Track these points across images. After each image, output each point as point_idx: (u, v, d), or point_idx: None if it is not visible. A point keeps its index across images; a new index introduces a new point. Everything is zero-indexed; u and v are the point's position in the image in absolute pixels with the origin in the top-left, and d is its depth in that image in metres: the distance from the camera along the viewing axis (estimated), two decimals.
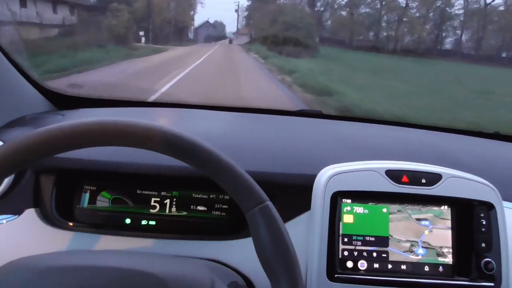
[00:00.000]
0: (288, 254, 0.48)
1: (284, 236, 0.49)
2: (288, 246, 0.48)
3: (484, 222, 0.73)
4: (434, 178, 0.74)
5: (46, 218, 0.76)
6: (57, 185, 0.78)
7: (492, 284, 0.71)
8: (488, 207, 0.74)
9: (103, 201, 0.79)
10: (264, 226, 0.48)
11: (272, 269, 0.48)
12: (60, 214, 0.76)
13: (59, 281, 0.49)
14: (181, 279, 0.51)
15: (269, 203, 0.50)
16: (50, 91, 1.10)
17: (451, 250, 0.74)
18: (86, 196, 0.79)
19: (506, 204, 0.76)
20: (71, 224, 0.76)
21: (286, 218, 0.75)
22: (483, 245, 0.72)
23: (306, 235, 0.74)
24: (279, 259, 0.48)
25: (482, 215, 0.73)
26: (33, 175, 0.78)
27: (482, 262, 0.71)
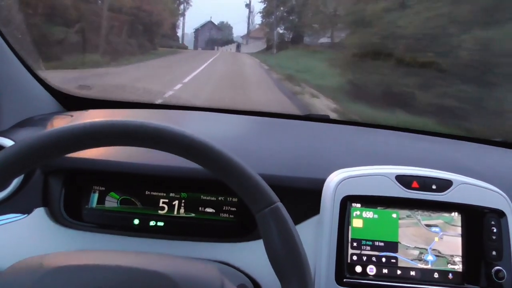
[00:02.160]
0: (299, 255, 0.48)
1: (294, 238, 0.49)
2: (298, 247, 0.48)
3: (494, 230, 0.72)
4: (444, 184, 0.74)
5: (55, 217, 0.76)
6: (66, 185, 0.78)
7: None
8: (499, 214, 0.73)
9: (111, 201, 0.79)
10: (275, 228, 0.48)
11: (282, 270, 0.48)
12: (69, 213, 0.76)
13: (69, 280, 0.49)
14: (191, 280, 0.51)
15: (279, 204, 0.50)
16: (59, 92, 1.10)
17: (461, 258, 0.73)
18: (95, 196, 0.79)
19: None
20: (79, 224, 0.76)
21: (295, 222, 0.74)
22: (494, 253, 0.71)
23: (314, 239, 0.73)
24: (289, 260, 0.48)
25: (492, 222, 0.73)
26: (42, 175, 0.78)
27: (493, 270, 0.70)
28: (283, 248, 0.48)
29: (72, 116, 1.01)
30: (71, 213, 0.77)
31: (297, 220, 0.75)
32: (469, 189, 0.74)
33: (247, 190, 0.49)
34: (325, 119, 1.20)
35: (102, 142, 0.47)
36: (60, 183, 0.78)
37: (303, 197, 0.76)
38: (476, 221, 0.73)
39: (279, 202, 0.50)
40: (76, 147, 0.47)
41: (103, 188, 0.80)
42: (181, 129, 0.49)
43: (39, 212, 0.75)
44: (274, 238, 0.48)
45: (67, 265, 0.50)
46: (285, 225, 0.49)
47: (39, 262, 0.52)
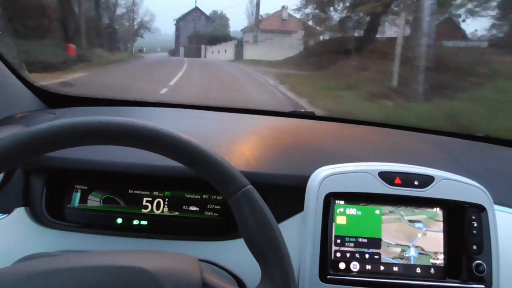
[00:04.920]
0: (274, 234, 0.49)
1: (268, 218, 0.50)
2: (273, 227, 0.50)
3: (475, 225, 0.73)
4: (426, 180, 0.74)
5: (36, 217, 0.74)
6: (48, 184, 0.77)
7: (483, 286, 0.71)
8: (480, 209, 0.74)
9: (94, 200, 0.78)
10: (248, 210, 0.49)
11: (260, 250, 0.49)
12: (51, 213, 0.75)
13: (48, 285, 0.48)
14: (170, 272, 0.50)
15: (250, 187, 0.51)
16: (41, 90, 1.09)
17: (443, 253, 0.74)
18: (77, 195, 0.78)
19: (497, 207, 0.76)
20: (61, 223, 0.75)
21: (279, 219, 0.75)
22: (474, 247, 0.73)
23: (298, 236, 0.74)
24: (265, 240, 0.49)
25: (473, 217, 0.74)
26: (23, 173, 0.76)
27: (473, 264, 0.71)
28: (257, 229, 0.49)
29: (54, 114, 1.00)
30: (53, 213, 0.76)
31: (282, 217, 0.75)
32: (451, 184, 0.75)
33: (217, 176, 0.50)
34: (310, 116, 1.20)
35: (71, 142, 0.46)
36: (42, 182, 0.77)
37: (288, 195, 0.76)
38: (458, 216, 0.74)
39: (250, 185, 0.51)
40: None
41: (86, 187, 0.79)
42: (144, 122, 0.48)
43: (20, 212, 0.74)
44: (248, 220, 0.49)
45: (44, 269, 0.49)
46: (258, 207, 0.50)
47: (15, 270, 0.51)
